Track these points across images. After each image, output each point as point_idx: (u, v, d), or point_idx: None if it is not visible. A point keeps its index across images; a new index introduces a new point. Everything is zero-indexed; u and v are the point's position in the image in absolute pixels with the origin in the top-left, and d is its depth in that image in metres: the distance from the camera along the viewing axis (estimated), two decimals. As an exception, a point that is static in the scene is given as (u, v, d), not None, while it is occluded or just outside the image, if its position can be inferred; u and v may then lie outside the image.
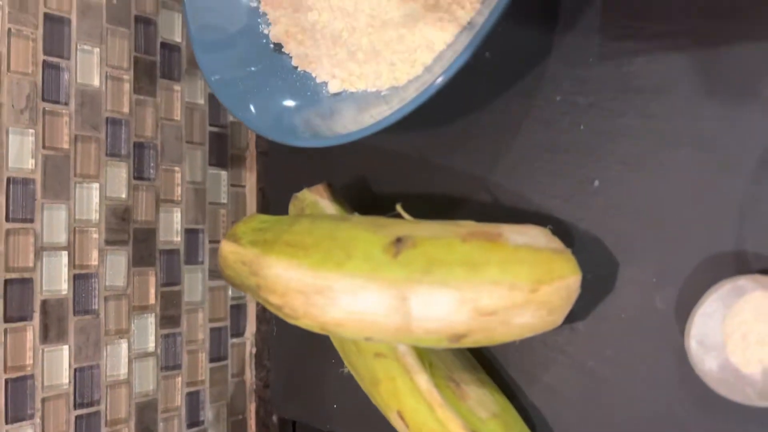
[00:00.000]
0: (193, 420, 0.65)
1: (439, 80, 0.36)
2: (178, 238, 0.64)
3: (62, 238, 0.55)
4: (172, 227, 0.64)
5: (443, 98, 0.39)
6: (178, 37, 0.64)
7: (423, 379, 0.37)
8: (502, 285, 0.33)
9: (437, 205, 0.44)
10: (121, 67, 0.60)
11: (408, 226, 0.36)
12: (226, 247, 0.38)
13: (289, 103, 0.45)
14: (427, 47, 0.40)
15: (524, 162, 0.40)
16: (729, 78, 0.33)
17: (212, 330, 0.67)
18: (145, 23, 0.62)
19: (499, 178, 0.41)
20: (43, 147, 0.54)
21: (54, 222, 0.55)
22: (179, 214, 0.64)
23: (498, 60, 0.42)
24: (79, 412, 0.56)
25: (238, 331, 0.69)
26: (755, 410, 0.32)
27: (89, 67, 0.58)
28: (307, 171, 0.53)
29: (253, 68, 0.48)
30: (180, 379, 0.63)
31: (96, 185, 0.58)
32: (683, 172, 0.35)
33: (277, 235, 0.36)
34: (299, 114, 0.45)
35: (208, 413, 0.66)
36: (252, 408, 0.70)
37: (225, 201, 0.69)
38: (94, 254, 0.57)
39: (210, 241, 0.67)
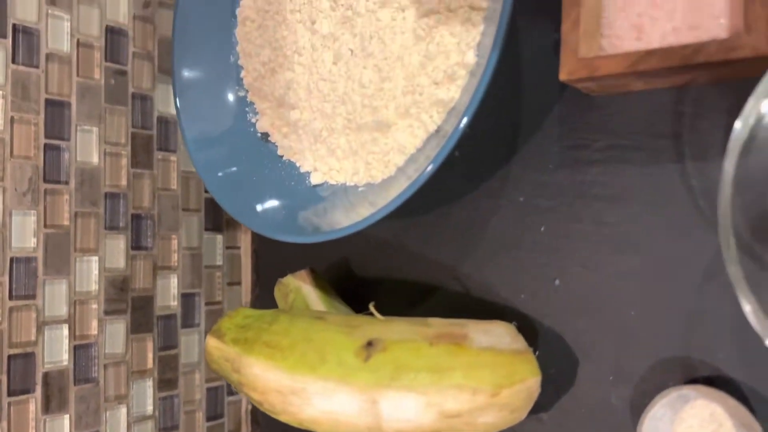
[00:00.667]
0: (192, 477, 0.67)
1: (417, 184, 0.38)
2: (175, 303, 0.67)
3: (63, 311, 0.58)
4: (169, 293, 0.66)
5: (420, 190, 0.42)
6: (173, 110, 0.67)
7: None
8: (465, 389, 0.36)
9: (412, 292, 0.46)
10: (119, 143, 0.63)
11: (379, 327, 0.39)
12: (211, 343, 0.41)
13: (278, 199, 0.48)
14: (399, 150, 0.43)
15: (492, 257, 0.43)
16: (675, 193, 0.36)
17: (209, 389, 0.69)
18: (141, 99, 0.65)
19: (469, 269, 0.44)
20: (45, 226, 0.57)
21: (55, 296, 0.57)
22: (176, 280, 0.67)
23: (467, 159, 0.44)
24: (80, 480, 0.58)
25: (234, 390, 0.71)
26: None
27: (88, 145, 0.61)
28: (298, 246, 0.56)
29: (243, 157, 0.51)
30: (178, 440, 0.66)
31: (95, 258, 0.60)
32: (635, 278, 0.37)
33: (258, 334, 0.39)
34: (296, 212, 0.47)
35: (205, 470, 0.68)
36: (248, 463, 0.72)
37: (221, 263, 0.72)
38: (94, 324, 0.60)
39: (206, 303, 0.69)
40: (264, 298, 0.62)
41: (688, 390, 0.34)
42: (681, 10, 0.34)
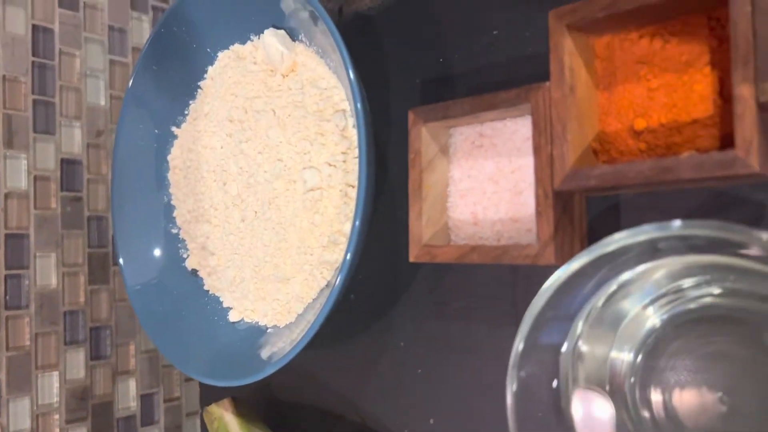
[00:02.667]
0: None
1: (310, 334, 0.45)
2: (134, 404, 0.74)
3: (26, 424, 0.65)
4: (129, 395, 0.73)
5: (327, 325, 0.49)
6: (128, 227, 0.75)
7: None
8: None
9: (322, 417, 0.53)
10: (77, 264, 0.70)
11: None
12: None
13: (204, 338, 0.55)
14: (298, 300, 0.50)
15: (381, 393, 0.50)
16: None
17: (170, 483, 0.76)
18: (97, 220, 0.72)
19: (364, 403, 0.51)
20: (7, 349, 0.65)
21: (18, 412, 0.65)
22: (134, 383, 0.74)
23: (362, 303, 0.51)
24: None
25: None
26: None
27: (47, 270, 0.68)
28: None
29: (174, 292, 0.59)
30: None
31: (56, 373, 0.68)
32: (489, 423, 0.44)
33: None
34: (217, 355, 0.54)
35: None
36: None
37: (178, 362, 0.79)
38: (56, 434, 0.67)
39: (165, 401, 0.76)
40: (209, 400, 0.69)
41: None
42: (505, 205, 0.41)
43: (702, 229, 0.27)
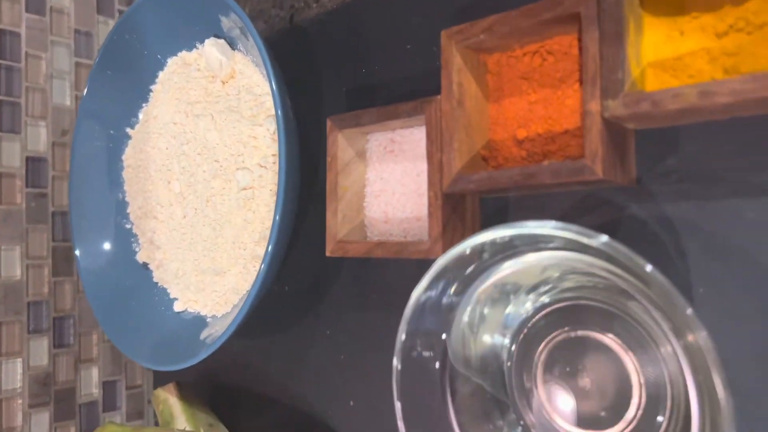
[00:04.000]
0: None
1: (236, 324, 0.49)
2: (96, 390, 0.78)
3: (-10, 408, 0.69)
4: (91, 382, 0.78)
5: (260, 317, 0.53)
6: (92, 222, 0.79)
7: None
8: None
9: (258, 402, 0.57)
10: (41, 256, 0.74)
11: (204, 445, 0.50)
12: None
13: (151, 326, 0.59)
14: (234, 291, 0.54)
15: (310, 377, 0.54)
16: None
17: (130, 467, 0.81)
18: (62, 215, 0.76)
19: (295, 386, 0.55)
20: (-28, 337, 0.69)
21: (-17, 396, 0.69)
22: (97, 371, 0.78)
23: (295, 294, 0.56)
24: None
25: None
26: None
27: (12, 262, 0.72)
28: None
29: (127, 283, 0.63)
30: None
31: (20, 360, 0.72)
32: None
33: (110, 451, 0.50)
34: (163, 341, 0.59)
35: None
36: None
37: (140, 352, 0.83)
38: (19, 417, 0.72)
39: (127, 388, 0.81)
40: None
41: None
42: (411, 205, 0.45)
43: (544, 229, 0.31)
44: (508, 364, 0.39)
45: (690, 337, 0.26)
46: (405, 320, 0.36)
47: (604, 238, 0.29)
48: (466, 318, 0.39)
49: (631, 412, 0.35)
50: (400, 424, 0.37)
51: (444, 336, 0.38)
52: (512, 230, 0.32)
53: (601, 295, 0.36)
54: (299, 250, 0.55)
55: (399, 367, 0.37)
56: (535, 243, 0.34)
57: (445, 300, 0.37)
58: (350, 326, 0.52)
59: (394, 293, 0.48)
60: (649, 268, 0.27)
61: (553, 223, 0.30)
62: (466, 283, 0.37)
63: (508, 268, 0.37)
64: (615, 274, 0.30)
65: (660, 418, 0.34)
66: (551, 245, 0.34)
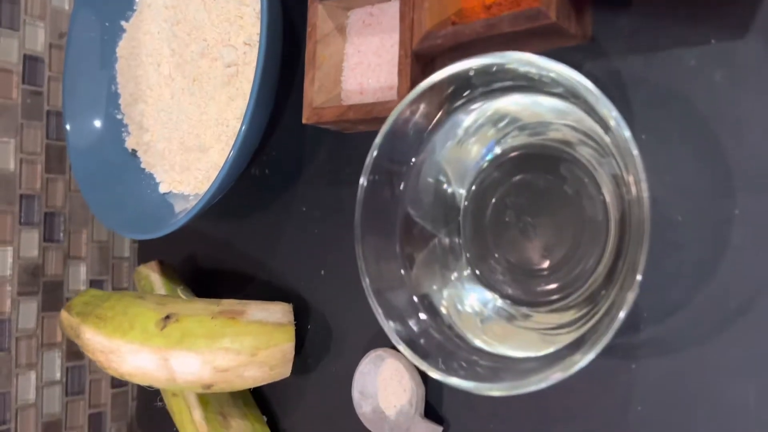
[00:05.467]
0: (97, 436, 0.82)
1: (209, 195, 0.52)
2: (84, 287, 0.81)
3: (-21, 292, 0.72)
4: (79, 278, 0.81)
5: (242, 199, 0.56)
6: (85, 124, 0.81)
7: (197, 413, 0.54)
8: (231, 351, 0.50)
9: (238, 278, 0.61)
10: (35, 152, 0.77)
11: (180, 305, 0.53)
12: (63, 315, 0.55)
13: (137, 204, 0.62)
14: (215, 168, 0.57)
15: (286, 253, 0.57)
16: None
17: (114, 362, 0.84)
18: (56, 115, 0.79)
19: (272, 262, 0.58)
20: (-36, 221, 0.71)
21: (-27, 280, 0.72)
22: (85, 268, 0.81)
23: (274, 177, 0.59)
24: (-8, 429, 0.73)
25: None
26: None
27: (5, 154, 0.75)
28: (163, 245, 0.71)
29: (115, 168, 0.66)
30: (83, 402, 0.80)
31: (10, 248, 0.75)
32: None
33: (93, 309, 0.53)
34: (148, 215, 0.61)
35: (110, 431, 0.83)
36: (148, 427, 0.86)
37: (128, 255, 0.86)
38: (7, 303, 0.75)
39: (114, 288, 0.84)
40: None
41: (381, 351, 0.48)
42: (385, 75, 0.48)
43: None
44: (463, 207, 0.42)
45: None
46: (380, 135, 0.38)
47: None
48: (425, 161, 0.41)
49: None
50: (360, 263, 0.40)
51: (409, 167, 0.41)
52: (496, 59, 0.34)
53: (550, 143, 0.39)
54: (280, 130, 0.58)
55: (365, 184, 0.39)
56: (505, 80, 0.36)
57: (413, 135, 0.40)
58: (324, 202, 0.55)
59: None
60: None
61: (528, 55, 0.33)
62: (435, 125, 0.40)
63: (475, 112, 0.39)
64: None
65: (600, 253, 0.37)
66: (518, 84, 0.37)
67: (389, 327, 0.38)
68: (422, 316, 0.40)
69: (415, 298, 0.41)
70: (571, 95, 0.34)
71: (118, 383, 0.84)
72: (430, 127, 0.40)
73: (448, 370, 0.36)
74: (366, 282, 0.39)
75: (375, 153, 0.38)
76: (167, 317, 0.52)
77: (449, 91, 0.38)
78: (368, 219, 0.39)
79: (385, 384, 0.48)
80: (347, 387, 0.51)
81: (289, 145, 0.57)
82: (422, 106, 0.39)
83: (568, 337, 0.37)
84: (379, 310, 0.39)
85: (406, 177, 0.41)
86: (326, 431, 0.53)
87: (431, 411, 0.47)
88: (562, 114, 0.37)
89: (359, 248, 0.40)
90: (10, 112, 0.75)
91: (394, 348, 0.47)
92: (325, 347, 0.54)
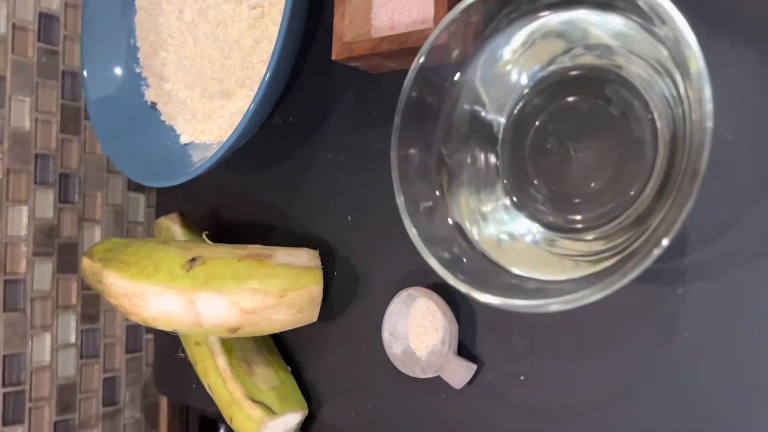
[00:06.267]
0: (110, 400, 0.81)
1: (232, 140, 0.51)
2: (98, 251, 0.80)
3: (-5, 250, 0.71)
4: (93, 241, 0.80)
5: (265, 149, 0.55)
6: (100, 85, 0.80)
7: (221, 360, 0.53)
8: (258, 292, 0.49)
9: (260, 229, 0.59)
10: (50, 111, 0.76)
11: (206, 249, 0.52)
12: (84, 262, 0.54)
13: (157, 154, 0.61)
14: (240, 114, 0.56)
15: (310, 200, 0.56)
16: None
17: (129, 327, 0.83)
18: (72, 76, 0.78)
19: (295, 211, 0.57)
20: (-20, 178, 0.70)
21: (-12, 238, 0.71)
22: (99, 231, 0.80)
23: (298, 124, 0.57)
24: (7, 390, 0.72)
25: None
26: (422, 381, 0.47)
27: (21, 113, 0.74)
28: (183, 199, 0.69)
29: (134, 121, 0.65)
30: (98, 366, 0.79)
31: (25, 208, 0.74)
32: (394, 213, 0.50)
33: (116, 254, 0.52)
34: (168, 165, 0.60)
35: (124, 395, 0.82)
36: (163, 392, 0.85)
37: (142, 220, 0.85)
38: (23, 263, 0.74)
39: (128, 253, 0.82)
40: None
41: (412, 290, 0.47)
42: (417, 8, 0.47)
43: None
44: (500, 137, 0.41)
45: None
46: (426, 45, 0.37)
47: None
48: (464, 92, 0.40)
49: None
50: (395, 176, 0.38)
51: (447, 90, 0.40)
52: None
53: (595, 64, 0.38)
54: (304, 74, 0.57)
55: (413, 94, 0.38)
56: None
57: (453, 60, 0.39)
58: (351, 146, 0.54)
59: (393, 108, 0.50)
60: None
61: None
62: (475, 49, 0.39)
63: (516, 35, 0.38)
64: None
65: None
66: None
67: (422, 247, 0.37)
68: (457, 241, 0.39)
69: (450, 222, 0.40)
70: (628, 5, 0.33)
71: (132, 348, 0.83)
72: (469, 51, 0.39)
73: (492, 290, 0.35)
74: (401, 201, 0.38)
75: (421, 60, 0.37)
76: (193, 260, 0.50)
77: (490, 9, 0.37)
78: (406, 131, 0.38)
79: (416, 323, 0.47)
80: (375, 331, 0.50)
81: (314, 89, 0.56)
82: (461, 27, 0.37)
83: (608, 263, 0.36)
84: (413, 230, 0.37)
85: (444, 98, 0.40)
86: (353, 376, 0.52)
87: (464, 350, 0.46)
88: (612, 30, 0.36)
89: (395, 158, 0.39)
90: (25, 70, 0.74)
91: (425, 287, 0.46)
92: (352, 292, 0.53)
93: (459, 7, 0.36)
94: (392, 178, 0.38)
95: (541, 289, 0.36)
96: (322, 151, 0.55)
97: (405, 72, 0.49)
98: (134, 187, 0.83)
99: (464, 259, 0.38)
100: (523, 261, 0.39)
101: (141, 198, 0.84)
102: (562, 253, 0.38)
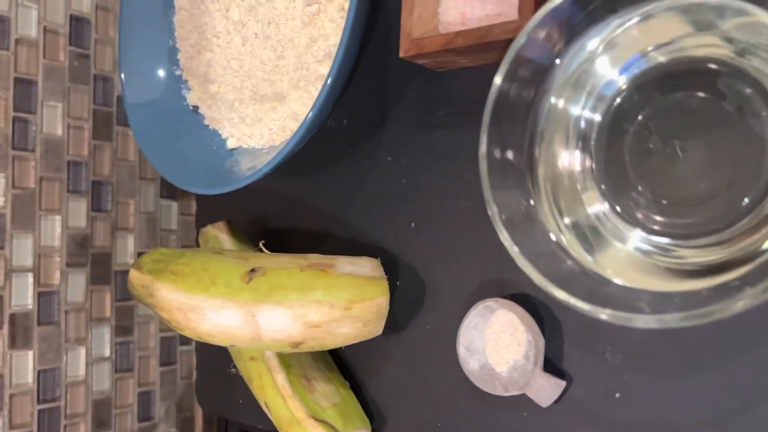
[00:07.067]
0: (145, 415, 0.77)
1: (292, 144, 0.48)
2: (132, 260, 0.77)
3: (28, 261, 0.68)
4: (127, 251, 0.76)
5: (316, 153, 0.52)
6: (132, 90, 0.77)
7: (280, 377, 0.50)
8: (324, 304, 0.46)
9: (311, 238, 0.56)
10: (82, 117, 0.73)
11: (265, 259, 0.49)
12: (132, 274, 0.51)
13: (201, 160, 0.58)
14: (293, 117, 0.53)
15: (367, 206, 0.53)
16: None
17: (163, 339, 0.80)
18: (103, 80, 0.75)
19: (351, 217, 0.54)
20: (13, 187, 0.67)
21: (21, 248, 0.68)
22: (133, 240, 0.77)
23: (353, 126, 0.54)
24: (42, 406, 0.69)
25: (189, 340, 0.81)
26: (503, 399, 0.44)
27: (53, 119, 0.71)
28: (226, 206, 0.66)
29: (176, 126, 0.61)
30: (132, 380, 0.76)
31: (59, 217, 0.71)
32: (467, 219, 0.47)
33: (167, 265, 0.49)
34: (214, 170, 0.57)
35: (159, 410, 0.78)
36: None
37: (175, 228, 0.82)
38: (56, 275, 0.70)
39: (162, 263, 0.79)
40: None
41: (491, 302, 0.44)
42: (492, 2, 0.44)
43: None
44: (594, 137, 0.38)
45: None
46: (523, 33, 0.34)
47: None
48: (554, 87, 0.37)
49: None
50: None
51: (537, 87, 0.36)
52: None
53: (704, 56, 0.35)
54: (360, 74, 0.53)
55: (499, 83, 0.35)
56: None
57: (547, 54, 0.36)
58: (413, 148, 0.50)
59: (461, 107, 0.47)
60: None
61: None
62: (566, 43, 0.36)
63: (610, 26, 0.35)
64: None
65: None
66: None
67: (524, 262, 0.34)
68: (557, 253, 0.36)
69: (547, 233, 0.37)
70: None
71: (166, 361, 0.80)
72: (562, 42, 0.36)
73: (600, 303, 0.32)
74: (494, 210, 0.35)
75: (515, 52, 0.34)
76: (252, 270, 0.47)
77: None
78: (496, 130, 0.35)
79: (494, 337, 0.44)
80: (444, 344, 0.47)
81: (371, 89, 0.53)
82: (559, 15, 0.34)
83: (736, 272, 0.32)
84: (505, 233, 0.34)
85: (535, 94, 0.36)
86: (420, 392, 0.49)
87: (549, 365, 0.43)
88: (725, 11, 0.33)
89: (484, 163, 0.35)
90: (57, 75, 0.71)
91: (504, 297, 0.43)
92: (417, 304, 0.49)
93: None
94: (482, 185, 0.35)
95: (654, 302, 0.33)
96: (380, 154, 0.52)
97: (473, 69, 0.46)
98: (167, 194, 0.80)
99: (569, 273, 0.35)
100: (626, 270, 0.35)
101: (174, 205, 0.81)
102: (672, 260, 0.35)
